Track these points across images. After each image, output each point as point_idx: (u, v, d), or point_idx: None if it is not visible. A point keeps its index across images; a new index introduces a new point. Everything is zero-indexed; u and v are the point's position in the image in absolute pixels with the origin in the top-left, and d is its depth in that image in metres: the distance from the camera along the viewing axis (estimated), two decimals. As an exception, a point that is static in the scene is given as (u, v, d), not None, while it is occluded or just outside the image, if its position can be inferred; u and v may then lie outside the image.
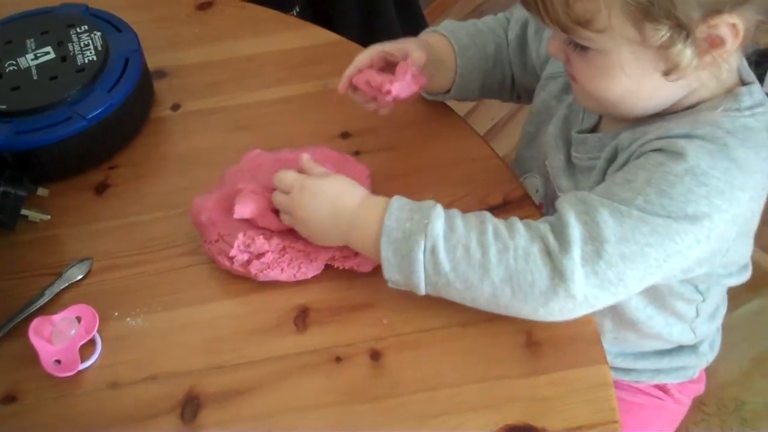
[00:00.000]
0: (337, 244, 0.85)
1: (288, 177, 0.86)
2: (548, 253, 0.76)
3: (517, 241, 0.76)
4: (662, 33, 0.74)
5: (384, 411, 0.79)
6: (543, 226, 0.78)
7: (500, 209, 0.93)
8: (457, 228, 0.78)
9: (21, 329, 0.86)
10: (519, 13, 1.02)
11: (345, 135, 1.03)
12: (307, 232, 0.86)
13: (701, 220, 0.76)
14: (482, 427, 0.77)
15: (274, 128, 1.04)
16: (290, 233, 0.88)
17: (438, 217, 0.78)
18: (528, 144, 1.03)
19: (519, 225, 0.78)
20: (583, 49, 0.79)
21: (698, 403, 1.08)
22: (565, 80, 0.96)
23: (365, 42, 1.16)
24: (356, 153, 1.00)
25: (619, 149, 0.84)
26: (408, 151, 0.99)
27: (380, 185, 0.94)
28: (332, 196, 0.84)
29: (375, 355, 0.83)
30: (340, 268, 0.87)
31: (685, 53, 0.75)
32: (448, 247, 0.77)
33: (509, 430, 0.77)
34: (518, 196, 0.94)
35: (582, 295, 0.75)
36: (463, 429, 0.77)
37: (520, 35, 1.02)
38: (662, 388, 1.06)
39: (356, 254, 0.87)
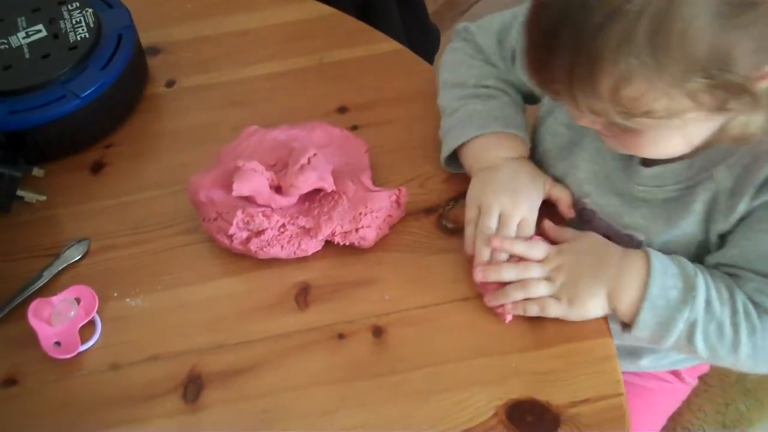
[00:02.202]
0: (604, 305, 0.80)
1: (540, 246, 0.83)
2: None
3: (764, 321, 0.76)
4: (728, 102, 0.68)
5: (387, 387, 0.79)
6: None
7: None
8: (713, 302, 0.77)
9: (20, 311, 0.85)
10: (484, 40, 0.96)
11: (342, 110, 1.02)
12: (574, 291, 0.81)
13: None
14: (486, 401, 0.77)
15: (270, 104, 1.03)
16: (290, 210, 0.88)
17: (701, 288, 0.77)
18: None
19: (761, 307, 0.77)
20: (628, 126, 0.72)
21: (700, 376, 1.08)
22: None
23: (361, 16, 1.15)
24: (354, 128, 0.99)
25: (720, 192, 0.79)
26: (406, 125, 0.99)
27: (379, 159, 0.93)
28: (593, 251, 0.82)
29: (377, 332, 0.82)
30: (341, 244, 0.87)
31: (745, 105, 0.69)
32: (705, 322, 0.76)
33: (513, 404, 0.77)
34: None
35: None
36: (467, 404, 0.77)
37: (503, 55, 0.96)
38: (675, 372, 1.05)
39: (357, 230, 0.86)
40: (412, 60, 1.07)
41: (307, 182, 0.87)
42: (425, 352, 0.81)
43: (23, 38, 1.02)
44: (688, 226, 0.81)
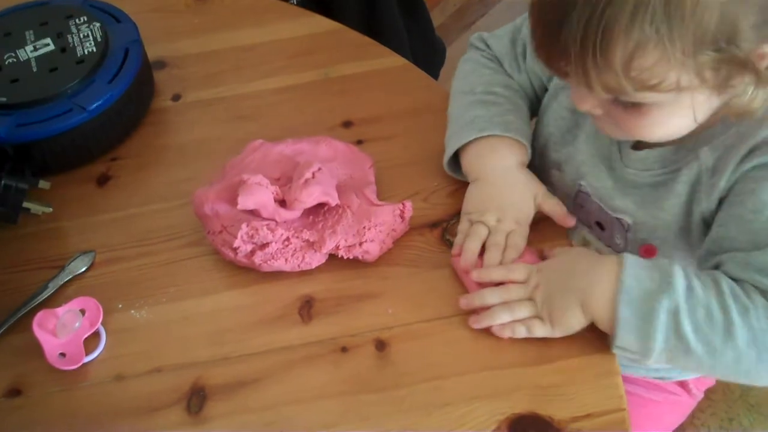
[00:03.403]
0: (580, 317, 0.78)
1: (520, 267, 0.83)
2: None
3: (754, 300, 0.74)
4: (732, 79, 0.71)
5: (390, 401, 0.79)
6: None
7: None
8: (695, 287, 0.74)
9: (25, 322, 0.86)
10: (498, 47, 0.98)
11: (347, 124, 1.02)
12: (550, 309, 0.80)
13: None
14: (489, 416, 0.77)
15: (275, 118, 1.04)
16: (294, 223, 0.88)
17: (679, 275, 0.74)
18: (539, 157, 0.97)
19: (748, 285, 0.75)
20: (635, 105, 0.74)
21: (705, 390, 1.08)
22: None
23: (367, 31, 1.16)
24: (359, 142, 0.99)
25: (703, 172, 0.81)
26: (411, 139, 0.99)
27: (383, 174, 0.94)
28: (566, 268, 0.81)
29: (380, 345, 0.83)
30: (345, 258, 0.87)
31: (748, 83, 0.71)
32: (690, 308, 0.73)
33: (516, 418, 0.77)
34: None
35: None
36: (470, 418, 0.77)
37: (516, 54, 0.97)
38: (682, 383, 1.05)
39: (360, 244, 0.86)
40: (418, 74, 1.08)
41: (311, 196, 0.87)
42: (428, 366, 0.81)
43: (31, 52, 1.02)
44: (673, 208, 0.82)
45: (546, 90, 0.96)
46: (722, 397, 1.06)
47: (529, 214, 0.87)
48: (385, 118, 1.02)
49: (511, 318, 0.81)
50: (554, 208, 0.88)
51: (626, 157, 0.87)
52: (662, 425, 1.06)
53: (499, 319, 0.81)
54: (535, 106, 0.97)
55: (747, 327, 0.73)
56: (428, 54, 1.59)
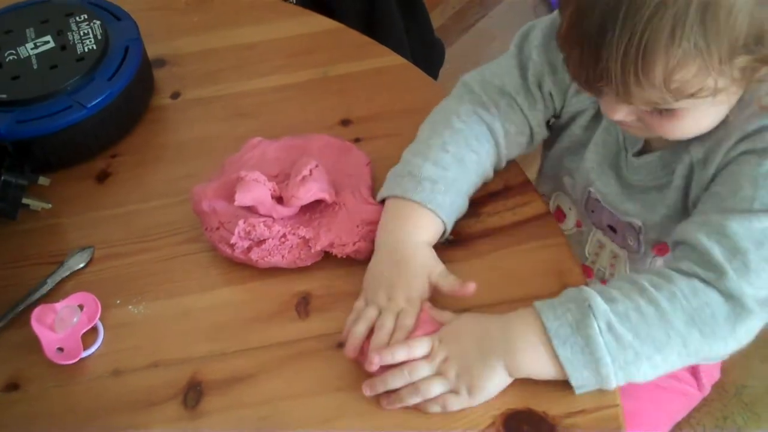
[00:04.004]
0: (504, 378, 0.77)
1: (422, 343, 0.78)
2: (708, 283, 0.75)
3: (676, 283, 0.75)
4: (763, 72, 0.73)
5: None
6: (684, 264, 0.76)
7: (500, 195, 0.93)
8: (615, 296, 0.75)
9: (23, 318, 0.86)
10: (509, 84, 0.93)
11: (345, 122, 1.03)
12: (469, 379, 0.77)
13: None
14: (483, 411, 0.77)
15: (274, 116, 1.04)
16: (291, 220, 0.89)
17: (593, 295, 0.75)
18: (554, 166, 1.00)
19: (667, 270, 0.76)
20: (670, 110, 0.76)
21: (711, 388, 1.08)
22: (593, 111, 0.92)
23: (366, 30, 1.16)
24: (357, 140, 1.00)
25: (695, 163, 0.84)
26: (409, 137, 0.98)
27: (381, 172, 0.94)
28: (472, 333, 0.78)
29: (376, 341, 0.83)
30: (339, 256, 0.87)
31: None
32: (620, 317, 0.74)
33: (511, 414, 0.77)
34: (519, 182, 0.94)
35: (757, 307, 0.75)
36: (465, 414, 0.77)
37: (527, 90, 0.94)
38: (694, 372, 1.06)
39: (354, 242, 0.87)
40: (416, 74, 1.08)
41: (308, 193, 0.88)
42: (423, 362, 0.81)
43: (31, 49, 1.03)
44: (675, 204, 0.85)
45: (554, 115, 0.96)
46: (717, 396, 1.07)
47: (421, 291, 0.83)
48: (383, 117, 1.03)
49: (421, 399, 0.77)
50: (452, 285, 0.82)
51: (630, 165, 0.89)
52: (666, 413, 1.06)
53: (408, 401, 0.77)
54: (529, 141, 0.95)
55: (680, 310, 0.74)
56: (427, 54, 1.60)
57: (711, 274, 0.75)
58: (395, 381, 0.77)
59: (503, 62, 0.95)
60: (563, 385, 0.77)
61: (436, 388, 0.77)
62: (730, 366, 1.09)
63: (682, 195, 0.86)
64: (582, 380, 0.75)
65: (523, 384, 0.78)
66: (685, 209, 0.86)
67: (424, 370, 0.77)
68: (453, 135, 0.90)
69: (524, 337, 0.76)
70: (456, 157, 0.88)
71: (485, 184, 0.93)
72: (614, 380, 0.75)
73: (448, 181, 0.87)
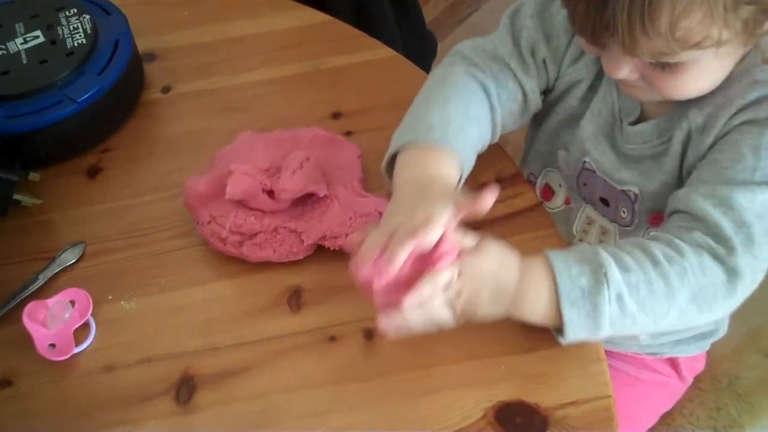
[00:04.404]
0: (502, 316, 0.77)
1: (444, 274, 0.74)
2: (717, 258, 0.75)
3: (688, 258, 0.75)
4: (760, 28, 0.74)
5: (378, 389, 0.80)
6: (696, 235, 0.77)
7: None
8: (630, 266, 0.75)
9: (15, 314, 0.86)
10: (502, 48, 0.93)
11: (336, 115, 1.02)
12: (471, 314, 0.76)
13: None
14: (475, 403, 0.78)
15: (265, 109, 1.04)
16: (282, 213, 0.89)
17: (609, 263, 0.75)
18: (547, 141, 1.00)
19: (678, 242, 0.76)
20: (673, 65, 0.77)
21: (693, 379, 1.09)
22: (589, 82, 0.92)
23: (357, 23, 1.16)
24: (348, 133, 0.99)
25: (693, 130, 0.84)
26: (400, 130, 0.99)
27: (372, 165, 0.94)
28: (491, 277, 0.76)
29: (368, 334, 0.83)
30: (330, 248, 0.87)
31: None
32: (631, 288, 0.74)
33: (502, 406, 0.77)
34: (510, 174, 0.94)
35: (751, 282, 0.76)
36: (457, 406, 0.78)
37: (520, 56, 0.93)
38: (673, 363, 1.06)
39: (346, 235, 0.86)
40: (408, 67, 1.08)
41: (299, 186, 0.88)
42: (415, 355, 0.81)
43: (21, 44, 1.03)
44: (673, 170, 0.86)
45: (548, 89, 0.96)
46: (710, 387, 1.07)
47: (446, 210, 0.76)
48: (374, 110, 1.03)
49: (421, 323, 0.75)
50: (468, 200, 0.77)
51: (626, 134, 0.90)
52: (649, 406, 1.07)
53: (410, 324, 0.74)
54: (522, 109, 0.94)
55: (687, 287, 0.75)
56: (419, 47, 1.59)
57: (722, 249, 0.75)
58: (414, 315, 0.73)
59: (496, 34, 0.95)
60: (556, 376, 0.78)
61: (442, 318, 0.75)
62: (723, 357, 1.09)
63: (679, 162, 0.86)
64: (574, 338, 0.76)
65: (515, 376, 0.78)
66: (680, 175, 0.87)
67: (437, 299, 0.74)
68: (453, 92, 0.89)
69: (536, 289, 0.76)
70: (458, 111, 0.87)
71: (476, 177, 0.92)
72: (603, 336, 0.76)
73: (456, 127, 0.86)
